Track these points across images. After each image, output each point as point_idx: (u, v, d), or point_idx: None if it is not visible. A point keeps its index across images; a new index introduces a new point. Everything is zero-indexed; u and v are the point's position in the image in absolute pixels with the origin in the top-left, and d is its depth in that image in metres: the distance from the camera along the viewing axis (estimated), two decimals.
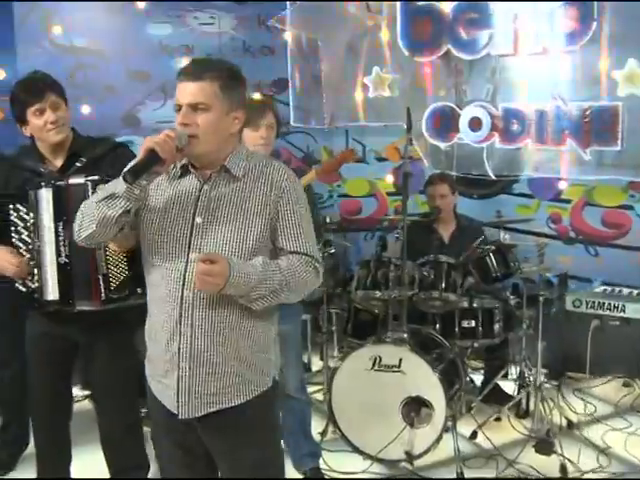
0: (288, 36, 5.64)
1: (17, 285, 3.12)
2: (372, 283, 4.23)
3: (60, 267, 3.01)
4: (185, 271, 2.21)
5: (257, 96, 5.66)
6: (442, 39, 5.09)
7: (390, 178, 6.03)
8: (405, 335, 4.00)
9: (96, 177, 2.90)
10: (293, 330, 3.61)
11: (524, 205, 5.56)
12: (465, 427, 4.24)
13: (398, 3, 5.13)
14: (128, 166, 2.20)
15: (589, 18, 4.64)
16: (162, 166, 2.17)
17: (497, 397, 4.54)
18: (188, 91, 2.19)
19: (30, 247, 3.09)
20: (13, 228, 3.10)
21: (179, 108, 2.21)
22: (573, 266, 5.38)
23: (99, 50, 5.18)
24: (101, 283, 3.02)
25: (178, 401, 2.27)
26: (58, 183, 2.96)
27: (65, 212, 2.92)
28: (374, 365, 3.90)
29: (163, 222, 2.26)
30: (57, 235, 2.96)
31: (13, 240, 3.10)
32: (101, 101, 5.18)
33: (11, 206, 3.09)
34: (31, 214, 3.05)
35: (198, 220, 2.22)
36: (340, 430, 3.98)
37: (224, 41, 5.60)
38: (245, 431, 2.32)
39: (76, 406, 3.72)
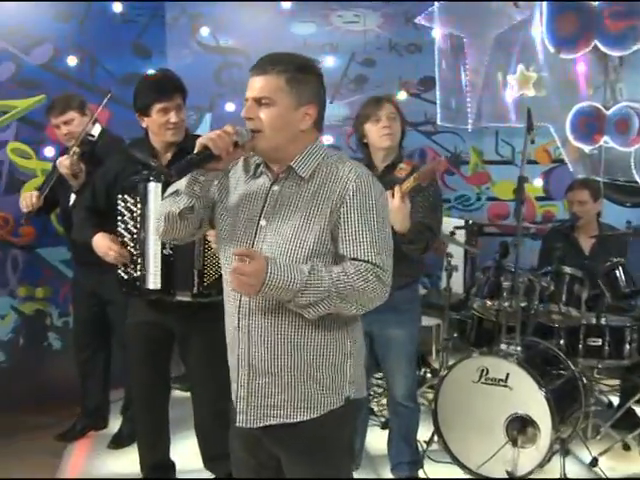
0: (436, 33, 5.50)
1: (119, 272, 3.30)
2: (489, 291, 4.05)
3: (164, 258, 3.15)
4: None
5: (402, 94, 5.62)
6: (589, 34, 4.73)
7: (539, 182, 5.72)
8: (518, 348, 3.78)
9: None
10: (405, 336, 3.51)
11: None
12: (588, 452, 3.93)
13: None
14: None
15: None
16: (219, 163, 2.12)
17: (630, 423, 4.16)
18: (254, 85, 2.11)
19: (135, 237, 3.25)
20: (120, 217, 3.28)
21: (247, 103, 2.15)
22: None
23: (244, 49, 5.32)
24: (195, 277, 3.13)
25: (237, 408, 2.21)
26: (167, 178, 3.02)
27: None
28: (481, 377, 3.72)
29: (233, 221, 2.21)
30: None
31: (118, 229, 3.29)
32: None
33: (120, 196, 3.28)
34: (139, 205, 3.21)
35: (262, 223, 2.14)
36: (443, 440, 3.84)
37: (369, 39, 5.55)
38: (306, 450, 2.19)
39: None
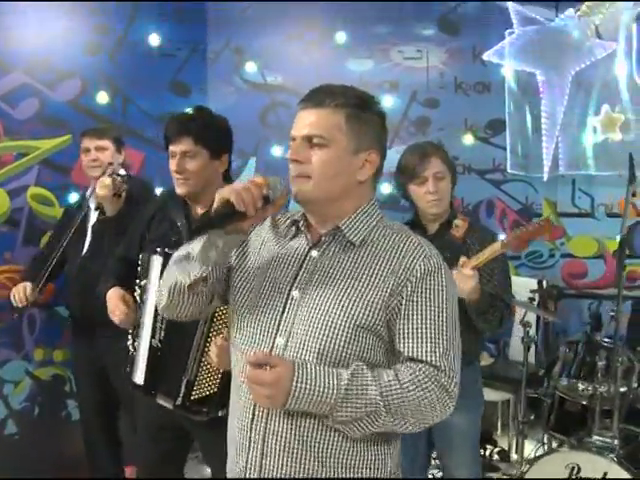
0: (506, 71, 4.94)
1: (128, 344, 2.76)
2: (578, 371, 3.45)
3: (151, 350, 2.58)
4: None
5: (468, 138, 5.07)
6: None
7: None
8: (615, 442, 3.14)
9: None
10: (470, 424, 2.98)
11: None
12: None
13: (634, 26, 4.25)
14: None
15: None
16: (243, 222, 1.69)
17: None
18: (305, 121, 1.74)
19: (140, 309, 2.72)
20: (137, 280, 2.74)
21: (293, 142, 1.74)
22: None
23: (294, 88, 4.83)
24: (182, 387, 2.48)
25: None
26: (169, 251, 2.36)
27: None
28: (571, 476, 3.10)
29: (257, 293, 1.76)
30: (156, 311, 2.43)
31: (135, 293, 2.77)
32: None
33: (141, 255, 2.75)
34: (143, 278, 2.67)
35: (294, 294, 1.70)
36: None
37: (432, 77, 5.02)
38: None
39: None
